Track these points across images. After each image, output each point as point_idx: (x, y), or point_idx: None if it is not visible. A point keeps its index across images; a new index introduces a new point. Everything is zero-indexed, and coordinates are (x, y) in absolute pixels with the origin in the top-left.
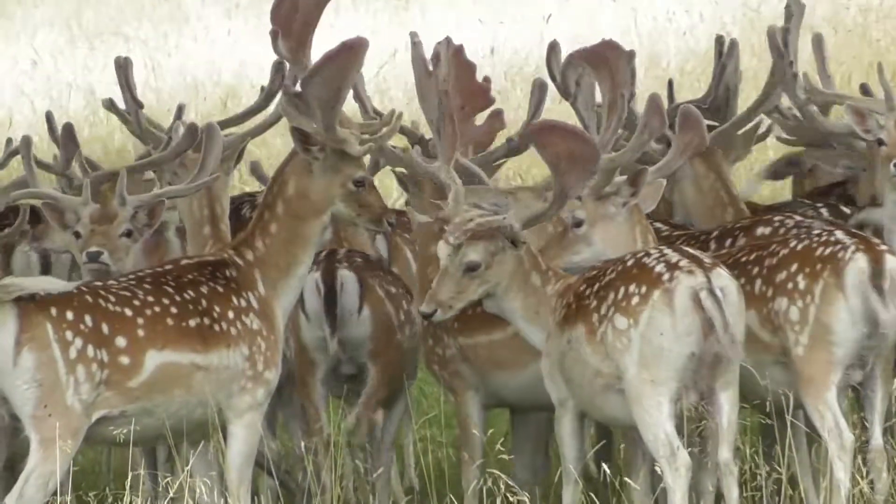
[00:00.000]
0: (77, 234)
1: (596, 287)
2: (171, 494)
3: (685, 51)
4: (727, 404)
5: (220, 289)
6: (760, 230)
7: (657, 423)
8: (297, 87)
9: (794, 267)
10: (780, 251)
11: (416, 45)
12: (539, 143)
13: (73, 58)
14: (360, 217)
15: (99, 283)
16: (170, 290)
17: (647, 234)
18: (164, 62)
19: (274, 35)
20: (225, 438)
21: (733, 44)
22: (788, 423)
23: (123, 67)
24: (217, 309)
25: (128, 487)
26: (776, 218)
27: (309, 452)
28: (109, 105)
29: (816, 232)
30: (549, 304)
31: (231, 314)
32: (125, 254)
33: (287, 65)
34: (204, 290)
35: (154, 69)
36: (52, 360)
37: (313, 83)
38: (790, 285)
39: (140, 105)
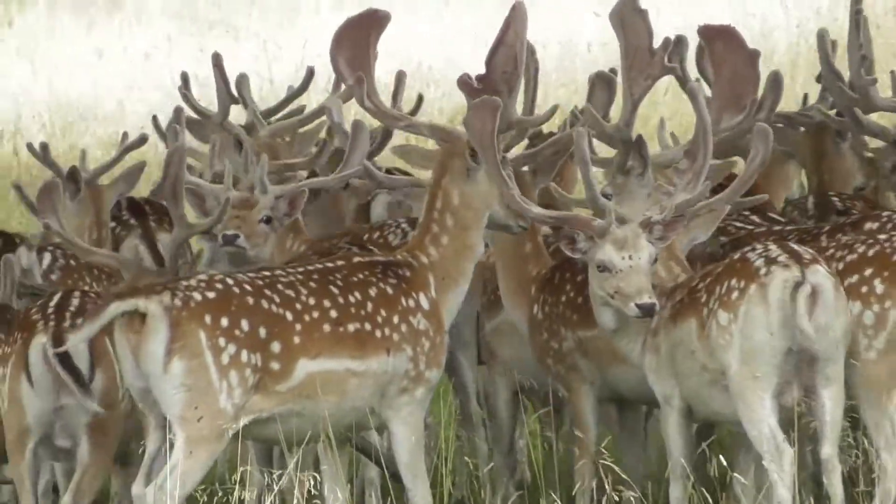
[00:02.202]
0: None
1: (708, 281)
2: (279, 487)
3: (799, 44)
4: (829, 401)
5: (390, 290)
6: (868, 225)
7: (760, 418)
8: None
9: (869, 272)
10: (846, 256)
11: (639, 11)
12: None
13: (184, 49)
14: (510, 214)
15: (267, 274)
16: (335, 290)
17: (670, 264)
18: (276, 53)
19: (359, 83)
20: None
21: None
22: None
23: (218, 64)
24: (383, 313)
25: (237, 482)
26: (884, 213)
27: None
28: (183, 92)
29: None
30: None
31: (397, 318)
32: (263, 240)
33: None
34: (372, 291)
35: (266, 60)
36: (204, 366)
37: (498, 52)
38: (864, 289)
39: (235, 101)
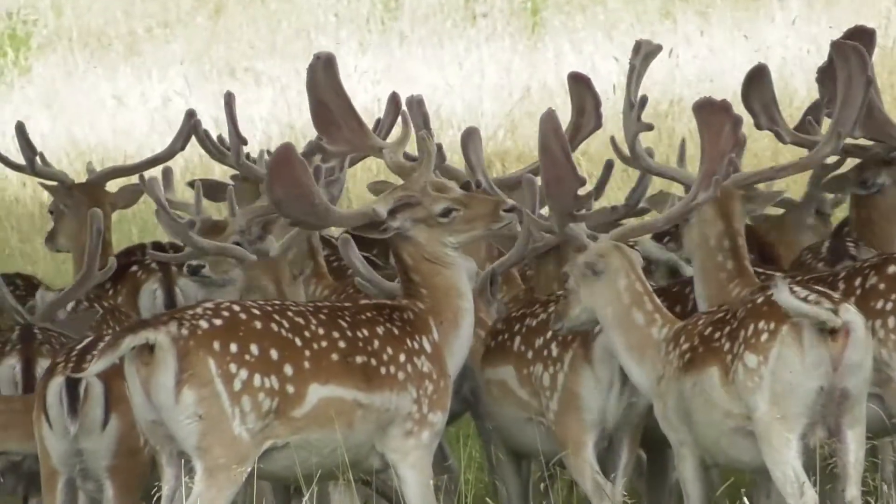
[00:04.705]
0: None
1: (727, 329)
2: None
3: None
4: (854, 442)
5: (396, 331)
6: (892, 269)
7: (785, 460)
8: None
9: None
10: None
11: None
12: None
13: (204, 94)
14: (478, 228)
15: (277, 302)
16: (344, 324)
17: None
18: (295, 99)
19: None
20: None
21: None
22: None
23: (229, 103)
24: (389, 350)
25: None
26: None
27: (439, 491)
28: (205, 137)
29: None
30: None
31: (402, 357)
32: (232, 266)
33: None
34: (380, 330)
35: (285, 106)
36: (215, 394)
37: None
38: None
39: (244, 141)
